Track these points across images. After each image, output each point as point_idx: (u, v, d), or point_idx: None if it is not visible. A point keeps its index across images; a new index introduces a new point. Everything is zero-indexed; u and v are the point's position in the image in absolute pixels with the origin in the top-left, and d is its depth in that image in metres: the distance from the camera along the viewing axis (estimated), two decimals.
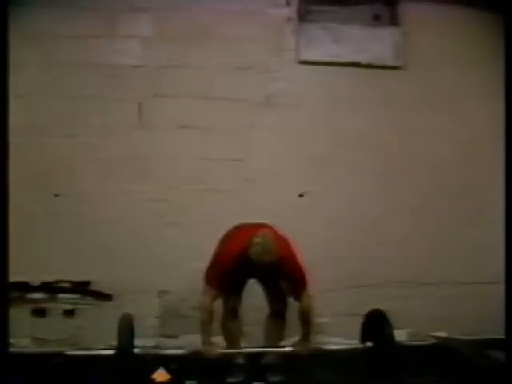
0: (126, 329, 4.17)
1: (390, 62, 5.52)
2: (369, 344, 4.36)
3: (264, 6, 5.37)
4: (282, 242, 4.15)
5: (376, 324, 4.34)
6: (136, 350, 4.11)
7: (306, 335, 4.31)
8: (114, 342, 5.09)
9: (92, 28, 5.16)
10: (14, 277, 4.01)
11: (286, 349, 4.34)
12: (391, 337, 4.18)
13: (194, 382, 4.20)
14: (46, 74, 5.13)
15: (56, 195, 5.10)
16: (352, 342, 5.23)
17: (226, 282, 4.13)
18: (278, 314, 4.47)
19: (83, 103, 5.18)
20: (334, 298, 5.31)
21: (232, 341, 4.45)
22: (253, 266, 4.04)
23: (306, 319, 4.26)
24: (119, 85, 5.22)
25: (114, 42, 5.23)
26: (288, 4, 5.42)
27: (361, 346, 4.46)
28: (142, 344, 4.87)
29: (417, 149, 5.52)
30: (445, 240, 5.42)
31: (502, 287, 3.72)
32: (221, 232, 4.35)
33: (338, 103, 5.45)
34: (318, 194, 5.30)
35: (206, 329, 4.16)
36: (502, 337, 3.61)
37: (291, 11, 5.43)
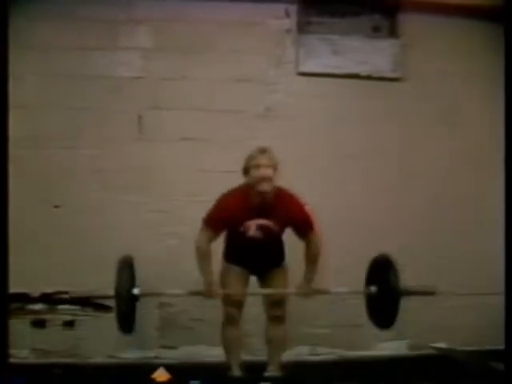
0: (126, 269, 4.08)
1: (389, 74, 5.53)
2: (373, 288, 4.24)
3: (263, 18, 5.38)
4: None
5: (382, 269, 4.23)
6: (136, 292, 4.00)
7: (309, 276, 4.20)
8: (115, 353, 5.14)
9: (92, 40, 5.18)
10: (14, 288, 4.01)
11: (288, 290, 4.28)
12: (395, 282, 4.08)
13: (197, 382, 4.20)
14: (46, 85, 5.14)
15: (56, 206, 5.10)
16: (352, 353, 5.27)
17: (223, 222, 4.11)
18: (276, 321, 4.33)
19: (83, 115, 5.19)
20: (334, 309, 5.31)
21: (231, 351, 4.36)
22: (253, 199, 4.06)
23: (312, 259, 4.17)
24: (119, 97, 5.23)
25: (114, 54, 5.25)
26: (287, 16, 5.43)
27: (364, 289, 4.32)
28: (141, 355, 4.89)
29: (416, 160, 5.53)
30: (444, 251, 5.41)
31: (501, 298, 3.72)
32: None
33: (337, 115, 5.46)
34: (318, 205, 5.29)
35: (203, 268, 4.10)
36: (502, 347, 3.61)
37: (290, 23, 5.45)
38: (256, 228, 4.10)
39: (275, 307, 4.31)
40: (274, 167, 4.04)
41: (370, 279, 4.30)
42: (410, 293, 4.16)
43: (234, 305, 4.25)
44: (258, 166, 4.00)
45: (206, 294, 4.07)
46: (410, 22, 5.55)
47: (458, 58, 5.57)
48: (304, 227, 4.16)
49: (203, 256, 4.11)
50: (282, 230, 4.22)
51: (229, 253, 4.34)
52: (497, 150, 4.44)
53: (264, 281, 4.34)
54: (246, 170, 4.11)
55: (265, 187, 3.98)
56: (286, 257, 4.36)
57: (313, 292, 4.21)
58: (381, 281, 4.17)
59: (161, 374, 4.07)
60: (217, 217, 4.10)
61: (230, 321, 4.27)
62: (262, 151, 4.08)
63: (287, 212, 4.11)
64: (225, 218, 4.08)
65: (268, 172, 3.99)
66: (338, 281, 5.19)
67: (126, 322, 3.97)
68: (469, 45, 5.58)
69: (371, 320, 4.31)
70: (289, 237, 4.32)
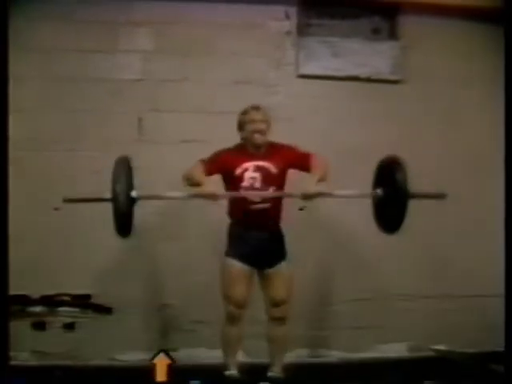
0: (123, 172, 4.11)
1: (389, 76, 5.53)
2: (378, 191, 4.12)
3: (263, 20, 5.38)
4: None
5: (389, 170, 4.06)
6: (134, 194, 4.02)
7: (314, 176, 4.13)
8: (115, 356, 5.14)
9: (92, 42, 5.17)
10: (14, 290, 4.02)
11: (290, 193, 4.28)
12: (403, 183, 3.91)
13: (198, 381, 4.19)
14: (46, 87, 5.13)
15: (56, 209, 5.09)
16: (353, 356, 5.27)
17: (218, 162, 4.26)
18: (278, 322, 4.33)
19: (83, 117, 5.18)
20: (333, 312, 5.31)
21: (229, 351, 4.35)
22: (248, 151, 4.30)
23: (320, 167, 4.21)
24: (119, 99, 5.22)
25: (114, 56, 5.23)
26: (287, 18, 5.43)
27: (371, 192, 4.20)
28: (142, 357, 4.88)
29: (416, 162, 5.51)
30: (444, 253, 5.41)
31: (501, 300, 3.72)
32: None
33: (337, 117, 5.45)
34: (318, 208, 5.29)
35: (196, 177, 4.12)
36: (502, 350, 3.62)
37: (291, 25, 5.44)
38: (254, 169, 4.26)
39: (277, 308, 4.31)
40: (267, 122, 4.29)
41: (377, 182, 4.22)
42: (419, 196, 4.00)
43: (235, 304, 4.24)
44: (252, 121, 4.26)
45: (208, 194, 4.04)
46: (409, 24, 5.55)
47: (458, 60, 5.56)
48: (303, 158, 4.32)
49: (192, 173, 4.17)
50: (281, 174, 4.32)
51: (231, 226, 4.40)
52: (497, 149, 4.44)
53: (265, 279, 4.33)
54: (241, 126, 4.36)
55: (259, 139, 4.25)
56: (288, 254, 4.36)
57: (315, 194, 4.08)
58: (388, 182, 4.03)
59: (162, 359, 4.00)
60: (213, 157, 4.29)
61: (231, 320, 4.26)
62: (256, 108, 4.32)
63: (282, 153, 4.33)
64: (221, 158, 4.28)
65: (262, 126, 4.25)
66: (336, 286, 5.26)
67: (124, 226, 4.03)
68: (469, 46, 5.57)
69: (378, 224, 4.25)
70: (290, 235, 4.35)
